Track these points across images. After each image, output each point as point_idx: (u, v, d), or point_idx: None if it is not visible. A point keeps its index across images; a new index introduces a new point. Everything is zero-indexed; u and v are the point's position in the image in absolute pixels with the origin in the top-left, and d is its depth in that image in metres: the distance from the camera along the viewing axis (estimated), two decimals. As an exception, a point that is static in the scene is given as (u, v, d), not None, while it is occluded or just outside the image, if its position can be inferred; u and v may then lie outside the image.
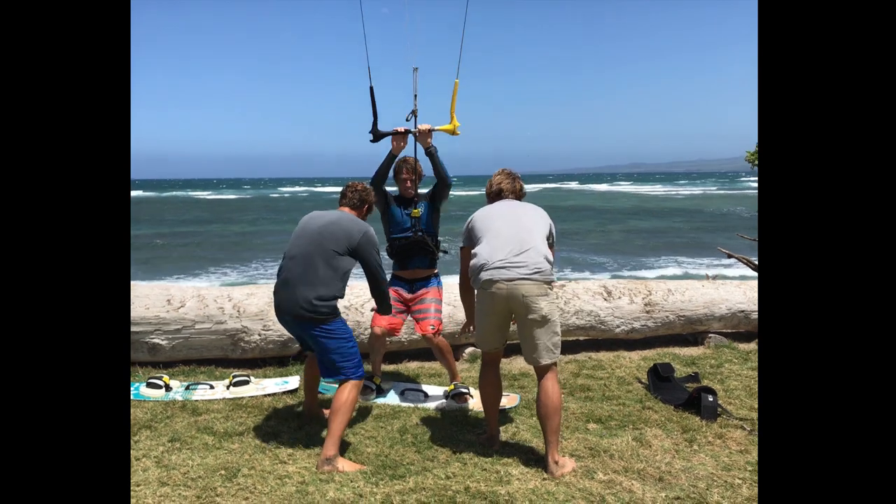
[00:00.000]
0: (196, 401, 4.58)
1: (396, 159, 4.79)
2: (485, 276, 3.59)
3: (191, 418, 4.27)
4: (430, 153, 4.74)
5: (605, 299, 5.95)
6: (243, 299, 5.36)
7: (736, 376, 5.29)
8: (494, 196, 4.03)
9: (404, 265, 4.89)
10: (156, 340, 5.17)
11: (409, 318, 4.94)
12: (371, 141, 4.73)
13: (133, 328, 5.11)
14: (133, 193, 74.23)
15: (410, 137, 4.75)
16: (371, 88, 4.75)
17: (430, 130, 4.73)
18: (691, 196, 63.82)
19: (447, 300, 5.59)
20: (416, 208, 4.80)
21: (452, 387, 4.74)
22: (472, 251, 3.75)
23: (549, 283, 3.65)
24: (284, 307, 3.77)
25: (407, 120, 4.72)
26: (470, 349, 5.65)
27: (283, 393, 4.77)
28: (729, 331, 6.37)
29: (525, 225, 3.74)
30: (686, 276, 17.42)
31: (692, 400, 4.50)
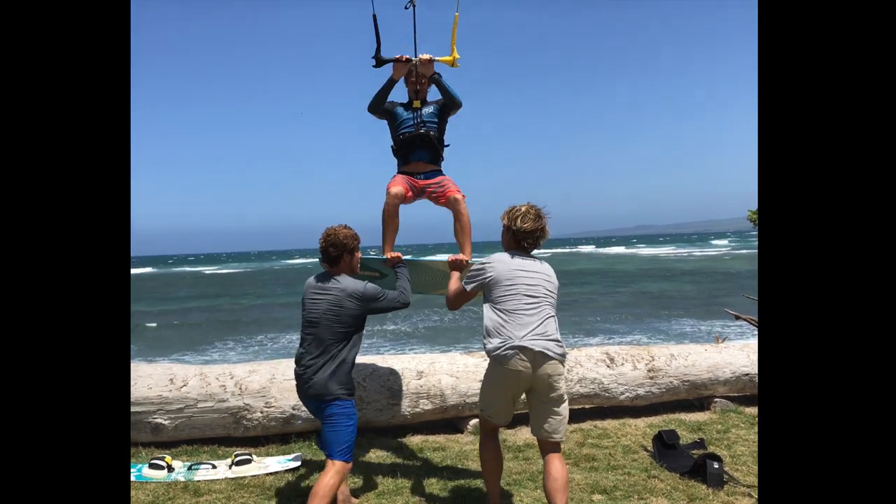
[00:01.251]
0: (198, 481, 4.54)
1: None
2: (508, 352, 3.52)
3: (192, 500, 4.23)
4: (436, 80, 4.84)
5: (608, 366, 5.93)
6: (245, 377, 5.38)
7: (743, 441, 5.22)
8: (517, 238, 3.76)
9: (407, 159, 4.88)
10: (159, 420, 5.17)
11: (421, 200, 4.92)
12: (374, 66, 4.82)
13: (136, 408, 5.11)
14: (142, 271, 74.76)
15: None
16: (374, 16, 4.79)
17: (430, 60, 4.83)
18: (700, 257, 63.79)
19: (450, 371, 5.59)
20: (417, 101, 4.89)
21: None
22: (491, 315, 3.63)
23: (565, 358, 3.67)
24: (304, 389, 3.84)
25: (406, 8, 4.80)
26: (475, 421, 5.61)
27: (286, 471, 4.73)
28: (735, 395, 6.31)
29: (546, 292, 3.67)
30: (697, 337, 17.28)
31: (698, 467, 4.44)
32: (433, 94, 5.07)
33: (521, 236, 3.73)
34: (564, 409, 3.63)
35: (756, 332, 11.64)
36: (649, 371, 5.98)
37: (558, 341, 3.58)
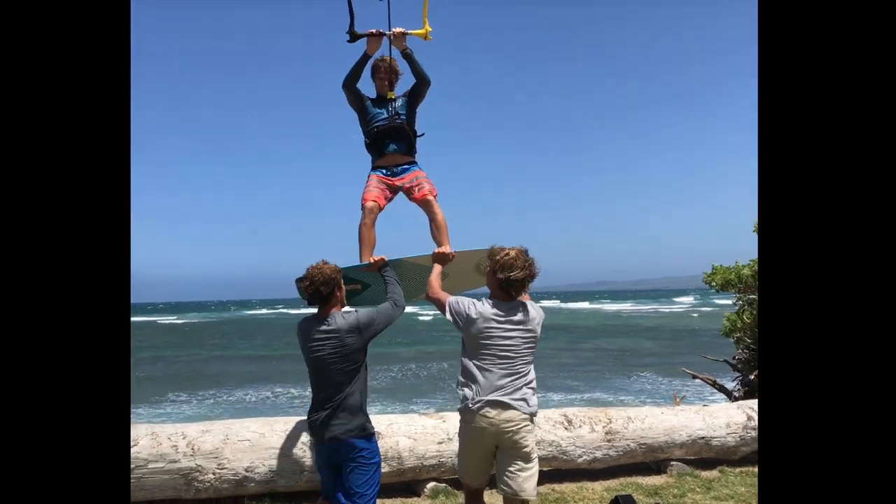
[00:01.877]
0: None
1: (372, 59, 4.92)
2: (474, 407, 3.59)
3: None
4: (407, 54, 4.89)
5: (566, 428, 5.94)
6: (197, 436, 5.25)
7: (699, 506, 5.24)
8: (503, 285, 3.72)
9: (382, 151, 4.93)
10: (105, 482, 5.00)
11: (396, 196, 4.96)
12: (348, 41, 4.83)
13: (82, 470, 4.95)
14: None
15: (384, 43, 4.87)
16: None
17: (403, 34, 4.87)
18: (663, 314, 64.55)
19: (408, 433, 5.54)
20: (391, 92, 4.94)
21: None
22: (467, 367, 3.70)
23: (534, 416, 3.71)
24: (321, 435, 3.82)
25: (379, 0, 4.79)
26: (432, 484, 5.54)
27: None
28: (691, 458, 6.35)
29: (521, 351, 3.71)
30: (656, 394, 17.38)
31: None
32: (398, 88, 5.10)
33: (508, 284, 3.70)
34: (533, 467, 3.63)
35: (713, 391, 11.78)
36: (607, 434, 5.99)
37: (526, 401, 3.61)
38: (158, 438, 5.20)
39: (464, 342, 3.78)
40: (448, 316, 3.82)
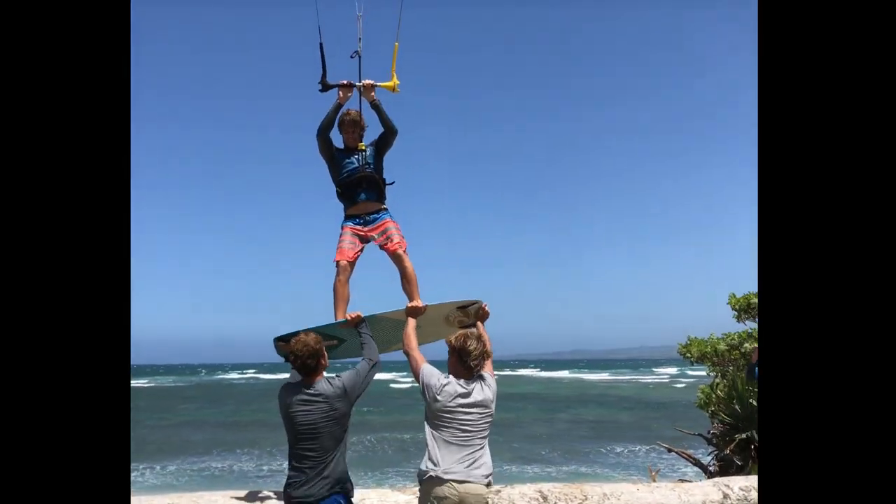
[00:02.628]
0: None
1: (341, 111, 5.11)
2: (435, 478, 3.78)
3: None
4: (376, 105, 5.11)
5: (541, 505, 5.83)
6: (163, 511, 5.09)
7: (676, 588, 5.13)
8: (462, 359, 3.99)
9: (354, 199, 5.10)
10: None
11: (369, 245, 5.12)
12: (320, 91, 5.07)
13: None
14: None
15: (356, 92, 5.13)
16: (321, 45, 5.00)
17: (373, 86, 5.10)
18: (633, 384, 64.44)
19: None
20: (361, 143, 5.12)
21: None
22: (429, 439, 3.91)
23: (490, 484, 3.93)
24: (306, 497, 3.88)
25: (351, 58, 5.11)
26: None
27: None
28: (668, 536, 6.24)
29: (479, 427, 3.95)
30: (632, 467, 17.20)
31: None
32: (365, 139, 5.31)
33: (468, 358, 3.97)
34: None
35: (688, 465, 11.70)
36: (582, 510, 5.89)
37: (486, 475, 3.86)
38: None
39: (427, 411, 4.01)
40: (418, 382, 4.08)
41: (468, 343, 3.98)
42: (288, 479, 4.00)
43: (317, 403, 3.93)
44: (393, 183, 5.25)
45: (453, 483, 3.76)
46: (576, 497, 6.00)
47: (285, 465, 4.12)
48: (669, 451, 11.20)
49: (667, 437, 13.07)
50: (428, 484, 3.82)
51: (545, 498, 5.93)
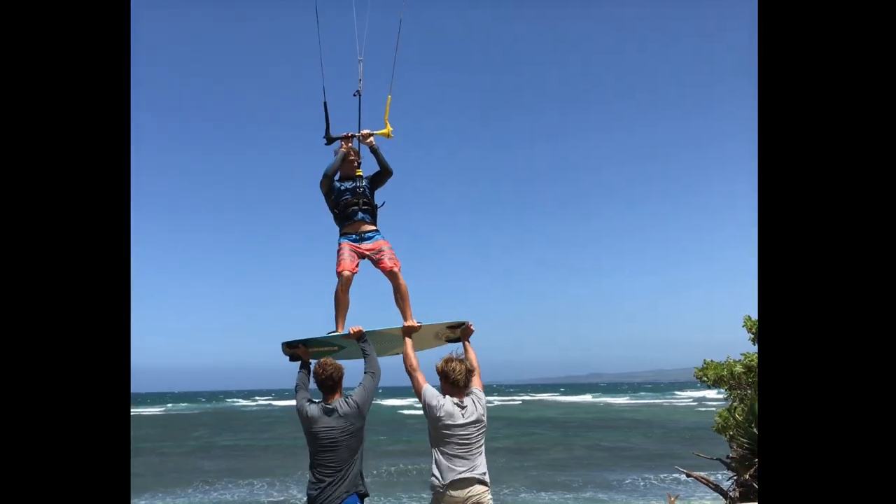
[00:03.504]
0: None
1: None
2: (442, 489, 4.42)
3: None
4: (374, 149, 5.76)
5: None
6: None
7: None
8: (450, 380, 4.65)
9: (351, 218, 5.64)
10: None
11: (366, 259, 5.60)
12: (325, 144, 5.79)
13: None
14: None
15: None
16: (325, 103, 5.74)
17: (370, 134, 5.78)
18: (653, 407, 63.69)
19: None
20: (359, 170, 5.76)
21: None
22: (436, 455, 4.53)
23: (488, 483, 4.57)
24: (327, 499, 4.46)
25: (353, 95, 5.81)
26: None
27: None
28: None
29: (475, 436, 4.58)
30: (651, 494, 16.92)
31: None
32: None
33: (454, 377, 4.63)
34: None
35: (707, 489, 11.49)
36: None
37: (483, 473, 4.54)
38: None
39: (429, 427, 4.62)
40: (420, 401, 4.70)
41: (449, 366, 4.65)
42: (309, 486, 4.59)
43: (338, 419, 4.58)
44: (384, 204, 5.83)
45: (458, 490, 4.41)
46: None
47: (298, 495, 4.28)
48: (688, 476, 11.01)
49: (686, 462, 12.86)
50: (437, 496, 4.45)
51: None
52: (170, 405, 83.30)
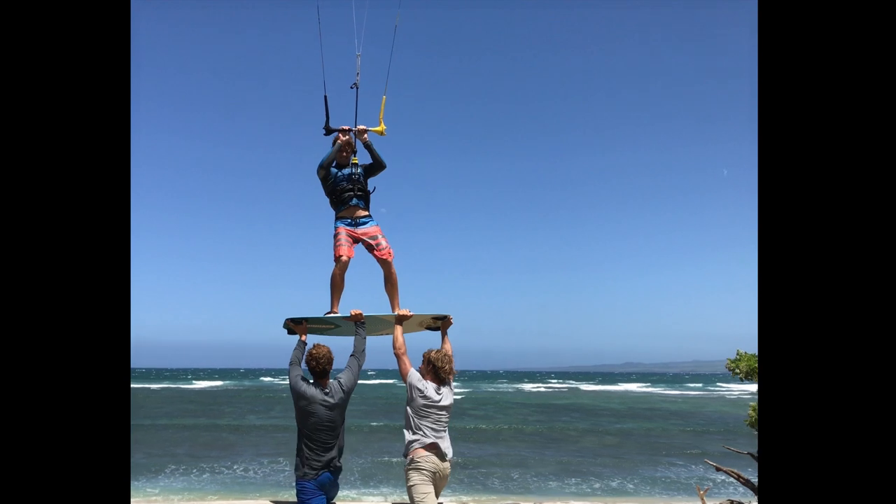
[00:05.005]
0: None
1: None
2: (425, 451, 5.12)
3: None
4: (367, 144, 6.18)
5: (574, 522, 5.64)
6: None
7: None
8: (436, 371, 5.34)
9: (346, 203, 6.07)
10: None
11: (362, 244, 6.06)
12: (324, 135, 6.25)
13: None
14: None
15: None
16: (325, 97, 6.24)
17: (365, 130, 6.20)
18: (686, 398, 63.00)
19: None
20: (355, 158, 6.20)
21: None
22: (412, 420, 5.21)
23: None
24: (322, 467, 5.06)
25: (350, 88, 6.27)
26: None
27: None
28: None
29: (446, 420, 5.31)
30: (679, 485, 16.70)
31: None
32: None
33: (443, 374, 5.35)
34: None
35: (738, 484, 11.25)
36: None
37: (449, 452, 5.26)
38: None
39: (409, 404, 5.28)
40: (405, 381, 5.33)
41: (443, 363, 5.35)
42: (304, 463, 5.06)
43: (333, 399, 5.15)
44: (374, 189, 6.27)
45: (436, 457, 5.14)
46: (611, 515, 5.77)
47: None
48: (718, 469, 10.79)
49: (718, 455, 12.60)
50: (416, 452, 5.12)
51: (578, 515, 5.72)
52: (193, 379, 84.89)
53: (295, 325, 5.74)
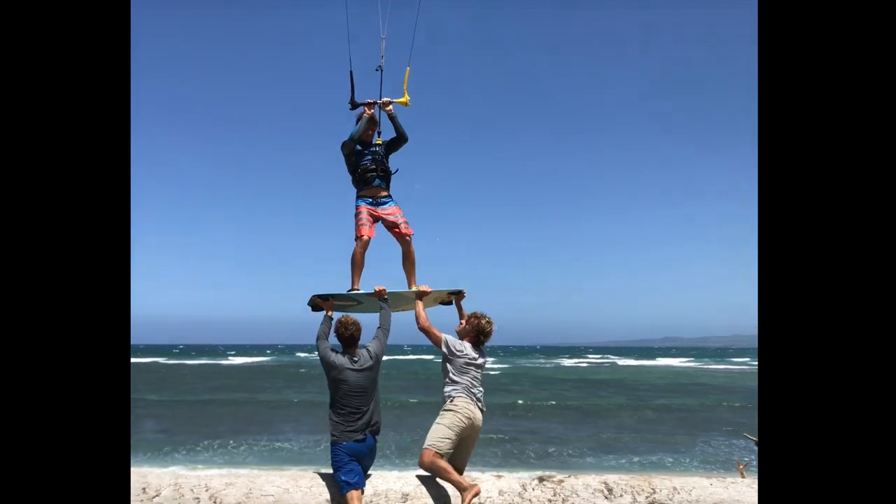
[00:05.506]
0: None
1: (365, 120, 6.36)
2: (459, 398, 5.50)
3: None
4: (392, 116, 6.39)
5: (606, 497, 5.57)
6: (221, 489, 5.13)
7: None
8: (477, 336, 5.75)
9: (369, 183, 6.25)
10: (126, 533, 4.91)
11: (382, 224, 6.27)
12: (350, 109, 6.45)
13: (103, 519, 4.88)
14: (160, 361, 75.05)
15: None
16: (351, 72, 6.45)
17: (390, 101, 6.40)
18: (728, 372, 62.27)
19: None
20: (379, 139, 6.44)
21: None
22: (451, 376, 5.59)
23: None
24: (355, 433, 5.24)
25: (376, 70, 6.43)
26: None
27: None
28: (745, 535, 5.84)
29: (480, 376, 5.72)
30: (717, 460, 16.55)
31: None
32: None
33: (483, 337, 5.77)
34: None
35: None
36: (651, 504, 5.59)
37: (484, 402, 5.69)
38: (181, 490, 5.11)
39: (448, 363, 5.64)
40: (443, 348, 5.67)
41: (487, 328, 5.76)
42: (334, 426, 5.25)
43: (364, 367, 5.37)
44: (397, 171, 6.45)
45: (474, 409, 5.52)
46: (643, 490, 5.71)
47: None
48: (757, 444, 10.65)
49: (755, 428, 12.43)
50: (455, 401, 5.47)
51: (610, 490, 5.66)
52: (228, 355, 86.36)
53: (321, 302, 5.96)
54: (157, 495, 5.04)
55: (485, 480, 5.55)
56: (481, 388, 5.70)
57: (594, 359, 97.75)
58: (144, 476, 5.24)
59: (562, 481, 5.71)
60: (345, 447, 5.18)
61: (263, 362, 76.38)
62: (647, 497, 5.66)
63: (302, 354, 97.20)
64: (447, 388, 5.59)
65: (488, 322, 5.81)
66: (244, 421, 23.40)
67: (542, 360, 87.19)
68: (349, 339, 5.42)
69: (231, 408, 27.67)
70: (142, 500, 4.99)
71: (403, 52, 6.59)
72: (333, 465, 5.20)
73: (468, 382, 5.59)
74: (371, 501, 5.17)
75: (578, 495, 5.55)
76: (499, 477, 5.70)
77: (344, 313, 5.80)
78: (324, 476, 5.33)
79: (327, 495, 5.15)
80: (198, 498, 5.07)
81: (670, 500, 5.68)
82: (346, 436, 5.20)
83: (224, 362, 75.47)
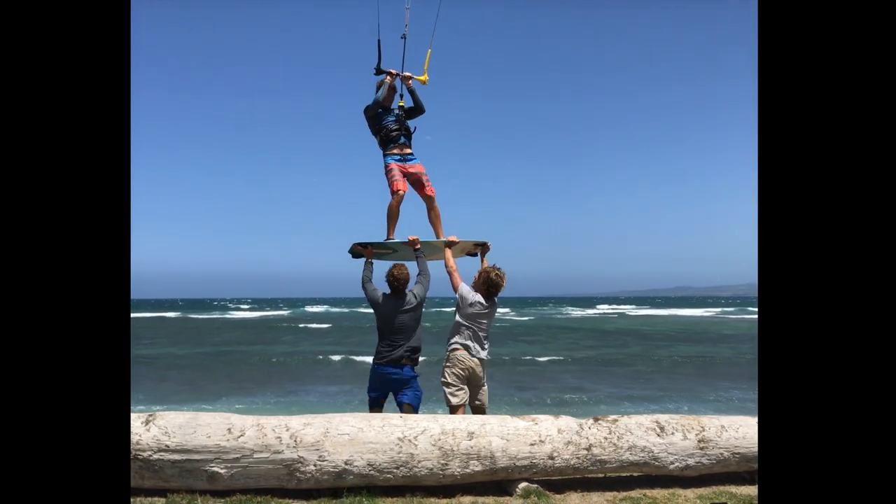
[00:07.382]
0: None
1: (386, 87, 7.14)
2: (459, 350, 6.41)
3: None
4: (411, 89, 7.20)
5: (658, 435, 5.91)
6: (300, 429, 5.48)
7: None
8: (488, 287, 6.46)
9: (396, 141, 7.04)
10: (215, 469, 5.28)
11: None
12: (374, 74, 7.15)
13: (194, 456, 5.25)
14: (170, 315, 75.94)
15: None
16: (378, 41, 7.01)
17: (410, 77, 7.18)
18: (740, 321, 62.55)
19: (501, 433, 5.63)
20: (402, 102, 7.21)
21: None
22: (459, 328, 6.45)
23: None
24: (395, 361, 6.42)
25: (401, 38, 7.05)
26: (524, 484, 5.62)
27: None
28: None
29: (487, 326, 6.53)
30: (742, 409, 16.88)
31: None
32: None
33: (494, 289, 6.47)
34: (486, 389, 6.62)
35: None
36: (700, 442, 5.93)
37: (486, 353, 6.55)
38: (264, 430, 5.46)
39: (458, 311, 6.50)
40: (457, 294, 6.52)
41: (499, 280, 6.42)
42: (379, 354, 6.44)
43: (410, 308, 6.46)
44: (416, 129, 7.22)
45: (469, 355, 6.36)
46: (693, 428, 6.03)
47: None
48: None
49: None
50: (455, 353, 6.39)
51: (662, 428, 5.99)
52: (231, 309, 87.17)
53: (361, 249, 6.87)
54: (241, 435, 5.39)
55: (542, 420, 5.88)
56: (485, 335, 6.50)
57: (605, 309, 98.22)
58: (227, 418, 5.58)
59: (615, 420, 6.05)
60: (379, 371, 6.43)
61: (267, 316, 77.12)
62: (696, 434, 5.99)
63: (312, 308, 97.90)
64: (451, 340, 6.49)
65: (497, 274, 6.45)
66: (266, 373, 23.84)
67: (553, 311, 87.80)
68: (399, 283, 6.49)
69: (248, 360, 28.10)
70: (227, 440, 5.34)
71: (429, 26, 7.30)
72: (370, 380, 6.55)
73: (472, 331, 6.40)
74: (440, 439, 5.51)
75: (632, 433, 5.88)
76: (557, 417, 6.04)
77: (393, 262, 6.75)
78: (395, 419, 5.66)
79: (400, 434, 5.50)
80: (279, 437, 5.42)
81: (718, 437, 6.01)
82: (381, 359, 6.41)
83: (231, 316, 76.26)
